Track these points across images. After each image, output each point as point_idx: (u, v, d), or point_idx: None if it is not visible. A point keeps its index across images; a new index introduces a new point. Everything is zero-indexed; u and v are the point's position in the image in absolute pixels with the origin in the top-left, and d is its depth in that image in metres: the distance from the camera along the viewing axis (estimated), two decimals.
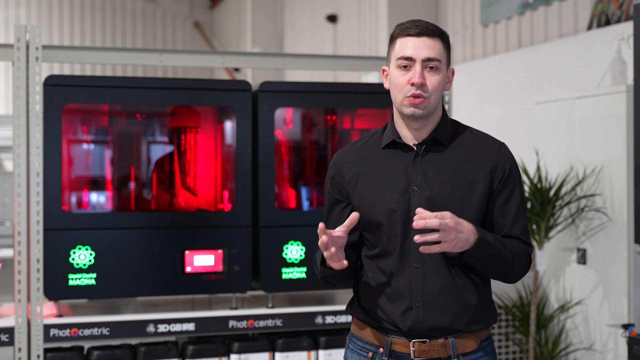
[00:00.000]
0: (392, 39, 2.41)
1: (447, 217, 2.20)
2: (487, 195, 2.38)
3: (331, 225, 2.49)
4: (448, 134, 2.43)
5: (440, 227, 2.19)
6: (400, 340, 2.38)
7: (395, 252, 2.36)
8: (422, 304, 2.35)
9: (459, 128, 2.47)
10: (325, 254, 2.29)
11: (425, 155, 2.40)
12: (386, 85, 2.44)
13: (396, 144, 2.43)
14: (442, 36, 2.38)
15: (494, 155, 2.40)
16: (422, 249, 2.23)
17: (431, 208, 2.31)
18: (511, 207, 2.39)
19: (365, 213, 2.41)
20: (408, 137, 2.42)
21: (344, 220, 2.40)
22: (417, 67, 2.34)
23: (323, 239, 2.26)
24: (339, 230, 2.29)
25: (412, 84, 2.33)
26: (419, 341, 2.37)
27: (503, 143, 2.45)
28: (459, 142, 2.43)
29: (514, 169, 2.42)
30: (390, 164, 2.42)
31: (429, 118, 2.40)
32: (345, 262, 2.31)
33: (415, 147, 2.41)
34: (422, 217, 2.20)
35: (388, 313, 2.38)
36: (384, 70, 2.46)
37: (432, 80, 2.35)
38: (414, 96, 2.34)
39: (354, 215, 2.30)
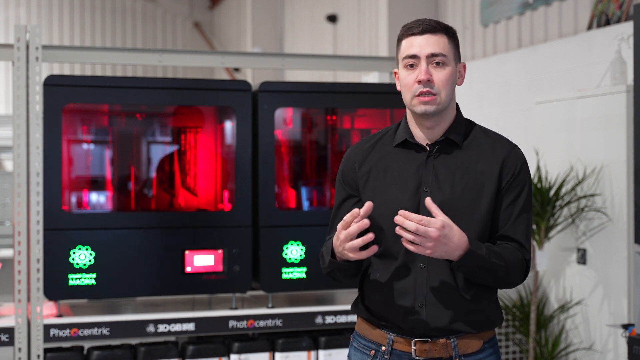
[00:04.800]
0: (398, 40, 2.42)
1: (433, 226, 2.19)
2: (495, 195, 2.37)
3: (341, 219, 2.50)
4: (462, 134, 2.42)
5: (417, 232, 2.18)
6: (402, 339, 2.39)
7: (402, 251, 2.35)
8: (426, 304, 2.35)
9: (473, 127, 2.46)
10: (352, 243, 2.24)
11: (438, 157, 2.40)
12: (398, 87, 2.44)
13: (409, 143, 2.43)
14: (446, 31, 2.38)
15: (505, 156, 2.39)
16: (402, 240, 2.23)
17: (442, 210, 2.31)
18: (517, 207, 2.38)
19: (375, 210, 2.40)
20: (421, 136, 2.42)
21: None
22: (423, 64, 2.34)
23: (360, 224, 2.21)
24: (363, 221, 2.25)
25: (419, 82, 2.33)
26: (421, 340, 2.37)
27: (516, 145, 2.44)
28: (472, 142, 2.42)
29: (524, 170, 2.40)
30: (402, 164, 2.41)
31: (441, 116, 2.39)
32: (375, 247, 2.27)
33: (427, 147, 2.41)
34: (405, 216, 2.19)
35: (390, 312, 2.38)
36: (395, 73, 2.46)
37: (439, 75, 2.34)
38: (422, 94, 2.33)
39: (369, 205, 2.26)
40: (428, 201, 2.25)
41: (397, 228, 2.21)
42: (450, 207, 2.33)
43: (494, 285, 2.40)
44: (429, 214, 2.33)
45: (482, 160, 2.39)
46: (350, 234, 2.24)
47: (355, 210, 2.23)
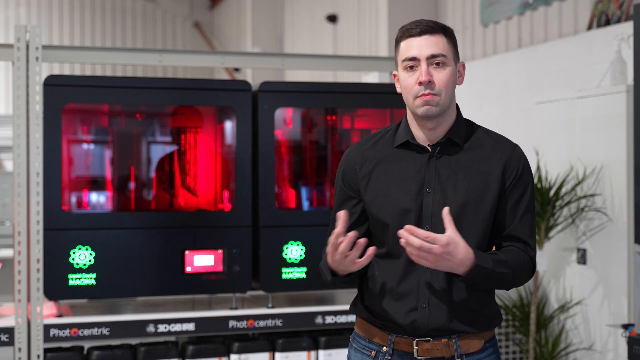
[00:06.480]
0: (397, 42, 2.41)
1: (438, 243, 2.19)
2: (499, 196, 2.38)
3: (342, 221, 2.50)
4: (462, 134, 2.42)
5: (421, 249, 2.19)
6: (403, 339, 2.39)
7: (405, 252, 2.35)
8: (428, 304, 2.35)
9: (473, 128, 2.46)
10: (349, 258, 2.27)
11: (440, 157, 2.39)
12: (398, 90, 2.43)
13: (410, 144, 2.42)
14: (444, 31, 2.37)
15: (508, 156, 2.40)
16: (407, 251, 2.25)
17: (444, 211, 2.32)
18: (521, 208, 2.39)
19: (377, 212, 2.40)
20: (422, 137, 2.42)
21: (357, 216, 2.45)
22: (423, 65, 2.33)
23: (348, 239, 2.24)
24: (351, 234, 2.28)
25: (420, 83, 2.33)
26: (423, 340, 2.37)
27: (517, 145, 2.45)
28: (473, 143, 2.42)
29: (526, 170, 2.41)
30: (403, 165, 2.41)
31: (443, 117, 2.39)
32: (373, 248, 2.29)
33: (429, 148, 2.41)
34: (410, 231, 2.21)
35: (392, 312, 2.38)
36: (394, 75, 2.45)
37: (439, 76, 2.34)
38: (424, 95, 2.33)
39: (343, 214, 2.28)
40: (445, 211, 2.25)
41: (402, 241, 2.22)
42: (453, 207, 2.33)
43: (499, 288, 2.42)
44: (431, 214, 2.33)
45: (484, 160, 2.39)
46: (342, 252, 2.26)
47: (336, 230, 2.25)
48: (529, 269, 2.40)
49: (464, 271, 2.26)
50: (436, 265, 2.24)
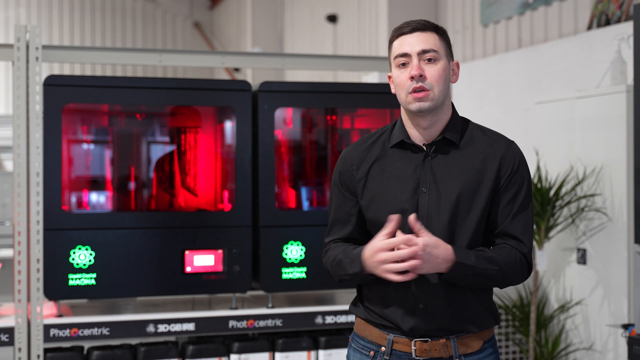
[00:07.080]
0: (390, 43, 2.43)
1: (416, 243, 2.22)
2: (493, 193, 2.37)
3: (339, 222, 2.50)
4: (458, 133, 2.41)
5: (413, 256, 2.22)
6: (401, 339, 2.39)
7: None
8: (426, 305, 2.35)
9: (469, 126, 2.46)
10: (395, 266, 2.26)
11: (435, 157, 2.39)
12: (393, 90, 2.44)
13: (405, 144, 2.42)
14: (436, 29, 2.39)
15: (503, 154, 2.39)
16: (387, 275, 2.26)
17: (439, 209, 2.32)
18: (516, 205, 2.37)
19: (374, 212, 2.40)
20: (417, 137, 2.41)
21: (354, 217, 2.45)
22: (414, 60, 2.34)
23: (412, 250, 2.23)
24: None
25: (412, 78, 2.33)
26: (421, 340, 2.37)
27: (513, 141, 2.44)
28: (468, 141, 2.42)
29: (522, 166, 2.40)
30: (399, 164, 2.41)
31: (437, 115, 2.39)
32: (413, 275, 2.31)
33: (424, 148, 2.41)
34: (391, 245, 2.23)
35: (390, 313, 2.39)
36: (389, 77, 2.46)
37: (431, 71, 2.34)
38: (415, 90, 2.34)
39: (395, 219, 2.28)
40: (412, 219, 2.25)
41: (385, 267, 2.24)
42: (448, 206, 2.34)
43: (491, 286, 2.41)
44: (427, 214, 2.33)
45: (480, 158, 2.39)
46: (399, 256, 2.24)
47: (408, 236, 2.23)
48: (522, 266, 2.37)
49: (446, 267, 2.27)
50: (421, 269, 2.25)
